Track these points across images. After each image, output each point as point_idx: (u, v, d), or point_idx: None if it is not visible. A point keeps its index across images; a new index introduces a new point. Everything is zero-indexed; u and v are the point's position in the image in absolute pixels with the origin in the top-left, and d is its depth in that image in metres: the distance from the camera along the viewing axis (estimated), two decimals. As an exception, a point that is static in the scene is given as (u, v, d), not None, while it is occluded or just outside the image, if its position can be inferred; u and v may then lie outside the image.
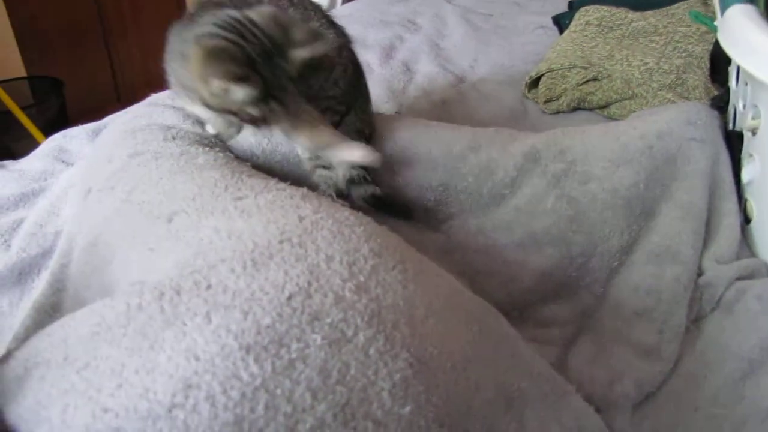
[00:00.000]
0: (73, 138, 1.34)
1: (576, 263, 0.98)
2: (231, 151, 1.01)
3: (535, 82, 1.40)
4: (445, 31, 1.65)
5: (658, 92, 1.27)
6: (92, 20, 2.60)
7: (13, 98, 2.25)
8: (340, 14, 1.77)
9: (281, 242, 0.67)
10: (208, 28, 0.81)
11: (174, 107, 1.07)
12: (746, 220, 1.06)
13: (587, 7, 1.52)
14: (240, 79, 0.78)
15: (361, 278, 0.64)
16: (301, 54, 0.83)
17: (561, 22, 1.65)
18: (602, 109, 1.34)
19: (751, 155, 1.01)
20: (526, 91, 1.41)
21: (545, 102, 1.36)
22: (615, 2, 1.53)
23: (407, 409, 0.56)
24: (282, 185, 0.82)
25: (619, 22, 1.46)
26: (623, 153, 1.02)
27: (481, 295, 0.91)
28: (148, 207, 0.83)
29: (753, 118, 0.98)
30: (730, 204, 1.05)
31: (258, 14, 0.83)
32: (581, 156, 1.02)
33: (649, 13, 1.46)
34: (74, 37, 2.56)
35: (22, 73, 2.38)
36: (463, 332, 0.67)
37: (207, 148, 0.96)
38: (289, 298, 0.60)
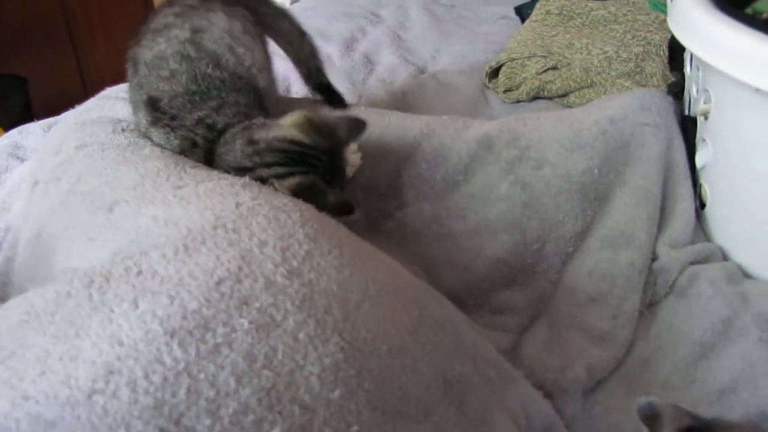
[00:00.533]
0: (29, 134, 1.32)
1: (531, 249, 0.98)
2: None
3: (495, 72, 1.39)
4: (407, 23, 1.65)
5: (617, 80, 1.27)
6: (57, 17, 2.57)
7: (-24, 97, 2.22)
8: (304, 7, 1.76)
9: (215, 228, 0.66)
10: (278, 170, 0.82)
11: (126, 100, 1.05)
12: (701, 205, 1.06)
13: (547, -3, 1.52)
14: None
15: (294, 263, 0.63)
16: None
17: (523, 12, 1.65)
18: (562, 98, 1.33)
19: (704, 140, 1.01)
20: (487, 81, 1.40)
21: (505, 91, 1.36)
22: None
23: (337, 393, 0.55)
24: (225, 176, 0.81)
25: (579, 11, 1.45)
26: (577, 138, 1.02)
27: (436, 284, 0.91)
28: (91, 197, 0.82)
29: (705, 103, 0.98)
30: (684, 189, 1.05)
31: (302, 133, 0.84)
32: (535, 142, 1.01)
33: (609, 2, 1.46)
34: (39, 34, 2.52)
35: (-16, 71, 2.35)
36: (401, 317, 0.66)
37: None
38: (218, 283, 0.59)
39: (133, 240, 0.69)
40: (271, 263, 0.62)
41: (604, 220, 1.01)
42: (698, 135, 1.04)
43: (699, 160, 1.02)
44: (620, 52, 1.31)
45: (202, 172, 0.81)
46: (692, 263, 0.99)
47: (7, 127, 2.12)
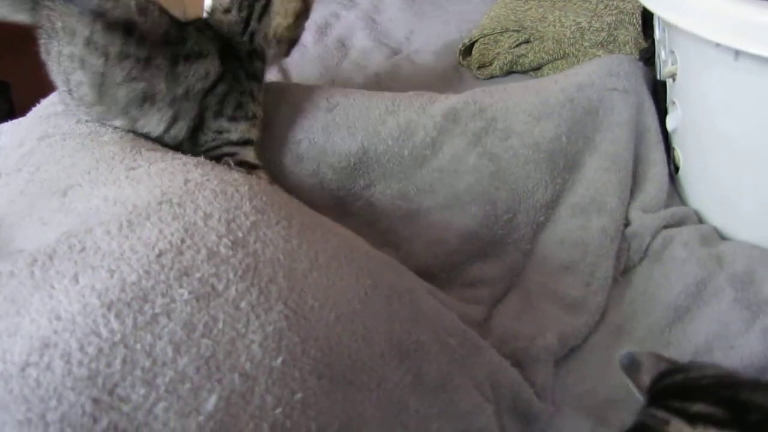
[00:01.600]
0: (2, 134, 1.31)
1: (501, 220, 0.97)
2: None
3: (469, 50, 1.38)
4: (381, 6, 1.63)
5: (589, 50, 1.26)
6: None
7: (-39, 104, 2.22)
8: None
9: (160, 203, 0.65)
10: None
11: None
12: (676, 169, 1.05)
13: (520, -29, 1.50)
14: None
15: (240, 234, 0.62)
16: None
17: (498, -11, 1.63)
18: (536, 71, 1.32)
19: (674, 102, 1.00)
20: (461, 59, 1.39)
21: (479, 68, 1.34)
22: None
23: (279, 360, 0.54)
24: (180, 155, 0.80)
25: (551, -16, 1.44)
26: (543, 107, 1.00)
27: (407, 260, 0.90)
28: (48, 184, 0.81)
29: (672, 64, 0.96)
30: (656, 153, 1.04)
31: None
32: (501, 113, 1.00)
33: (582, -28, 1.44)
34: (23, 38, 2.52)
35: (-33, 77, 2.35)
36: (352, 286, 0.65)
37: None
38: (159, 255, 0.58)
39: (83, 221, 0.68)
40: (215, 235, 0.61)
41: (574, 187, 0.99)
42: (668, 98, 1.02)
43: (669, 124, 1.01)
44: (593, 22, 1.29)
45: (157, 153, 0.80)
46: (666, 227, 0.98)
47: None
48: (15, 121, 1.32)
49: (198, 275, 0.57)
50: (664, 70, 1.00)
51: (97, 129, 0.92)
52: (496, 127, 0.99)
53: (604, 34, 1.27)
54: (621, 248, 0.96)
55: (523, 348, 0.84)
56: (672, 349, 0.85)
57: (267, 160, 0.95)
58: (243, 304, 0.56)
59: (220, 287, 0.56)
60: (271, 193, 0.72)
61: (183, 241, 0.60)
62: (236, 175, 0.73)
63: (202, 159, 0.78)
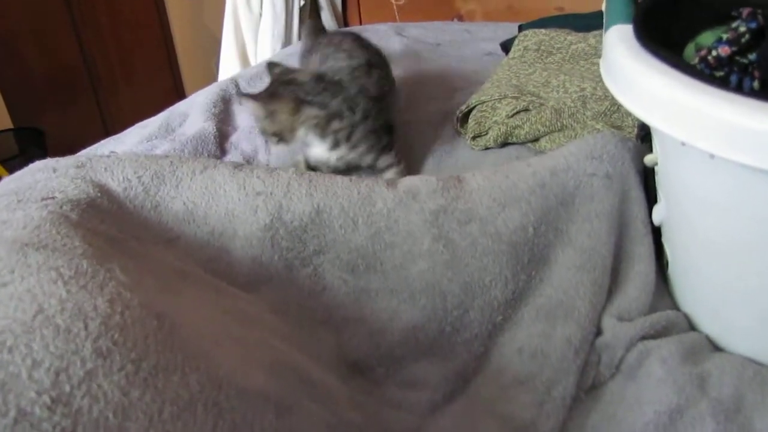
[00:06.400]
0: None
1: (451, 316, 0.86)
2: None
3: (466, 116, 1.29)
4: (387, 65, 1.55)
5: (589, 122, 1.14)
6: (80, 70, 2.62)
7: (-1, 150, 2.28)
8: (287, 53, 1.70)
9: None
10: None
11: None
12: (666, 264, 0.92)
13: (526, 32, 1.40)
14: None
15: (66, 387, 0.53)
16: None
17: (509, 48, 1.53)
18: (533, 142, 1.21)
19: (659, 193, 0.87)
20: (458, 126, 1.29)
21: (473, 138, 1.24)
22: (558, 24, 1.41)
23: None
24: (63, 264, 0.70)
25: (558, 46, 1.33)
26: (511, 192, 0.89)
27: (347, 346, 0.83)
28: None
29: (653, 151, 0.84)
30: (642, 247, 0.91)
31: None
32: (465, 193, 0.90)
33: (591, 33, 1.33)
34: (61, 87, 2.58)
35: (8, 125, 2.41)
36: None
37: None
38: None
39: None
40: (34, 390, 0.52)
41: (541, 286, 0.88)
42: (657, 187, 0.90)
43: (655, 216, 0.88)
44: (597, 89, 1.18)
45: (40, 257, 0.71)
46: (645, 338, 0.84)
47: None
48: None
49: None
50: (647, 156, 0.87)
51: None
52: (457, 207, 0.89)
53: (607, 103, 1.15)
54: (590, 361, 0.84)
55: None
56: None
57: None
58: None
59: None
60: (142, 319, 0.62)
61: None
62: (108, 296, 0.64)
63: (90, 269, 0.69)
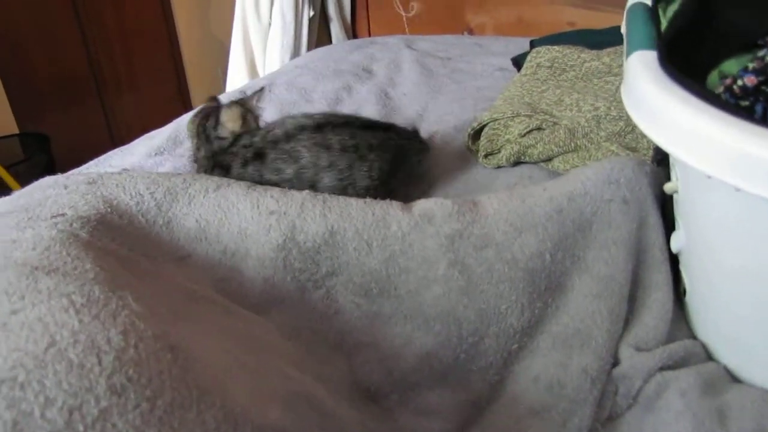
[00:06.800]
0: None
1: (466, 343, 0.84)
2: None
3: (478, 133, 1.27)
4: (397, 79, 1.54)
5: (603, 143, 1.13)
6: (85, 75, 2.61)
7: (3, 155, 2.26)
8: (296, 65, 1.69)
9: (3, 381, 0.55)
10: None
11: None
12: (684, 291, 0.90)
13: (539, 48, 1.39)
14: None
15: (80, 427, 0.52)
16: None
17: (520, 63, 1.52)
18: (546, 162, 1.19)
19: (678, 220, 0.86)
20: (470, 143, 1.28)
21: (485, 156, 1.23)
22: (571, 41, 1.39)
23: None
24: (73, 290, 0.69)
25: (571, 63, 1.32)
26: (528, 217, 0.88)
27: (359, 372, 0.81)
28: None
29: (676, 179, 0.83)
30: (659, 275, 0.89)
31: None
32: (481, 217, 0.88)
33: (605, 51, 1.32)
34: (67, 92, 2.57)
35: (14, 130, 2.40)
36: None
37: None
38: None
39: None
40: (47, 431, 0.51)
41: (557, 314, 0.86)
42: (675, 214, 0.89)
43: (673, 244, 0.87)
44: (611, 108, 1.16)
45: (51, 282, 0.70)
46: (663, 369, 0.83)
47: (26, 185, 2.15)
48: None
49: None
50: (667, 185, 0.86)
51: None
52: (473, 231, 0.87)
53: (621, 123, 1.14)
54: (606, 391, 0.82)
55: None
56: None
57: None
58: None
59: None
60: (148, 358, 0.61)
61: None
62: (122, 326, 0.62)
63: (102, 296, 0.67)
